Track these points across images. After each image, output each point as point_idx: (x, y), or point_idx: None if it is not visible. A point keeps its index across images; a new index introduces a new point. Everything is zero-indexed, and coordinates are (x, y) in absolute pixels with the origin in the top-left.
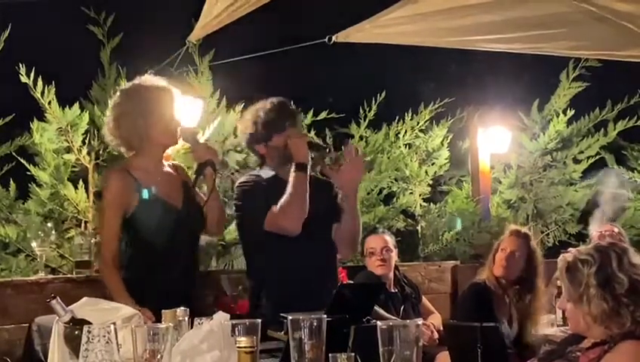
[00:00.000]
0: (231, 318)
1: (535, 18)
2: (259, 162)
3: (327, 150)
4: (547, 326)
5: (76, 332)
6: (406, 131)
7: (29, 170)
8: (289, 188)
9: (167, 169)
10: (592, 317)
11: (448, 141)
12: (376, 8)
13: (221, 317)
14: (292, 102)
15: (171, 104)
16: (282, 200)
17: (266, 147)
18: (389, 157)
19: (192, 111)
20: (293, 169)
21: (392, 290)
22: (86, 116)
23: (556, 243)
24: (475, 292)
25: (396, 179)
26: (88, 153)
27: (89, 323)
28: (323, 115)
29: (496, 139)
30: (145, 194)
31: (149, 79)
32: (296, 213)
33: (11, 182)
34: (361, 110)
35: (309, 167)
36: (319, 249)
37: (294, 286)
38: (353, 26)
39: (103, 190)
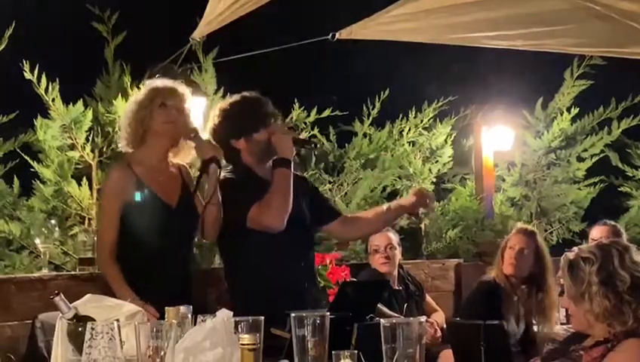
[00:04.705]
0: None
1: (537, 15)
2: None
3: (314, 145)
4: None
5: (80, 329)
6: (409, 129)
7: (33, 167)
8: (273, 185)
9: (172, 169)
10: (595, 314)
11: (452, 139)
12: (379, 5)
13: (224, 315)
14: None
15: (175, 98)
16: (266, 197)
17: (247, 141)
18: (392, 155)
19: (196, 108)
20: (275, 164)
21: (396, 288)
22: (90, 113)
23: (560, 241)
24: (484, 289)
25: (400, 177)
26: (92, 150)
27: (93, 320)
28: (326, 112)
29: (500, 137)
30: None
31: (155, 80)
32: (281, 209)
33: (15, 178)
34: (364, 108)
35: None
36: (298, 248)
37: (270, 285)
38: (356, 23)
39: (104, 183)
